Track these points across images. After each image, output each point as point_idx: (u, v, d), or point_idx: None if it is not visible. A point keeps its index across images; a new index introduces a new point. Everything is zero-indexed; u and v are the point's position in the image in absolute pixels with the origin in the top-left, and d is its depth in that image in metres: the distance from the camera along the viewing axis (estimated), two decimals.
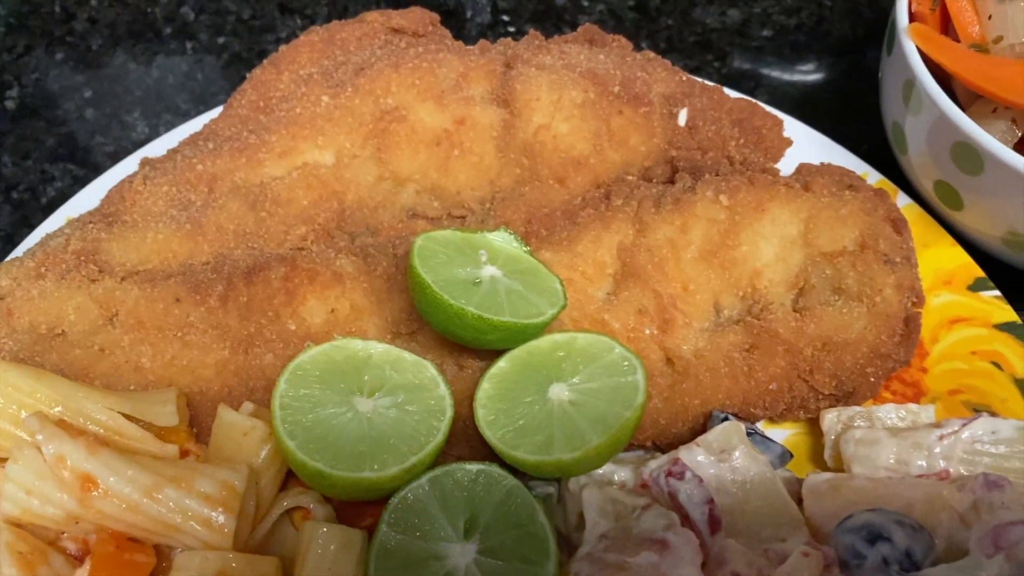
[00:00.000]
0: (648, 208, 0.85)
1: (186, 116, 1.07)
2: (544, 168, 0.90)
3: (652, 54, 0.96)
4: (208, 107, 1.06)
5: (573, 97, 0.90)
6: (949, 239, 0.86)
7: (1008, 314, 0.82)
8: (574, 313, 0.82)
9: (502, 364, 0.76)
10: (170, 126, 1.06)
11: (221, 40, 1.15)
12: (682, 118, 0.91)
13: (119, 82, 1.11)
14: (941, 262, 0.86)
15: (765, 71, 1.11)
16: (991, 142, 0.77)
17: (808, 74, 1.11)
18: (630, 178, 0.91)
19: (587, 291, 0.83)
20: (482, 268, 0.77)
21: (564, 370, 0.75)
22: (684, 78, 0.94)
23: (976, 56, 0.83)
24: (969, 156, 0.79)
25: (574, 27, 1.14)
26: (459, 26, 1.15)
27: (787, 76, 1.11)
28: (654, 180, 0.92)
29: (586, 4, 1.17)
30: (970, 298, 0.83)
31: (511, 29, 1.15)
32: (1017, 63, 0.83)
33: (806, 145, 0.94)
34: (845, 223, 0.82)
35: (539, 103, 0.90)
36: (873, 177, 0.91)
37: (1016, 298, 0.86)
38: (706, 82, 0.94)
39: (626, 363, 0.74)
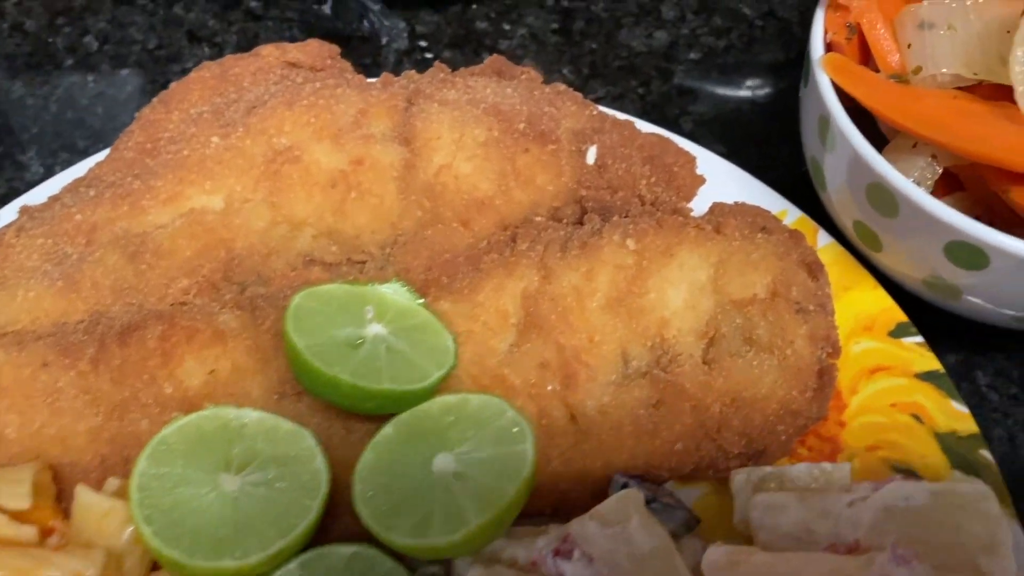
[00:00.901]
0: (554, 253, 0.81)
1: (84, 154, 1.02)
2: (447, 210, 0.86)
3: (563, 87, 0.91)
4: (108, 145, 1.00)
5: (476, 135, 0.86)
6: (871, 281, 0.82)
7: (930, 362, 0.78)
8: (473, 369, 0.77)
9: (388, 431, 0.71)
10: (66, 165, 1.01)
11: (124, 72, 1.09)
12: (591, 156, 0.87)
13: (15, 118, 1.06)
14: (862, 306, 0.81)
15: (692, 96, 1.06)
16: (905, 185, 0.73)
17: (737, 98, 1.06)
18: (539, 219, 0.87)
19: (488, 343, 0.79)
20: (366, 327, 0.73)
21: (452, 437, 0.70)
22: (595, 112, 0.89)
23: (893, 89, 0.79)
24: (884, 198, 0.75)
25: (495, 52, 1.10)
26: (375, 53, 1.10)
27: (715, 101, 1.06)
28: (564, 221, 0.87)
29: (507, 28, 1.12)
30: (891, 345, 0.79)
31: (429, 55, 1.10)
32: (935, 96, 0.79)
33: (724, 180, 0.89)
34: (756, 268, 0.78)
35: (440, 142, 0.85)
36: (793, 215, 0.86)
37: (941, 342, 0.82)
38: (618, 116, 0.89)
39: (516, 429, 0.69)
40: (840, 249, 0.84)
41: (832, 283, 0.82)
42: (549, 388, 0.77)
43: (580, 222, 0.86)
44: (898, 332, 0.79)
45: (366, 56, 1.10)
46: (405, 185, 0.86)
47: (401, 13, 1.13)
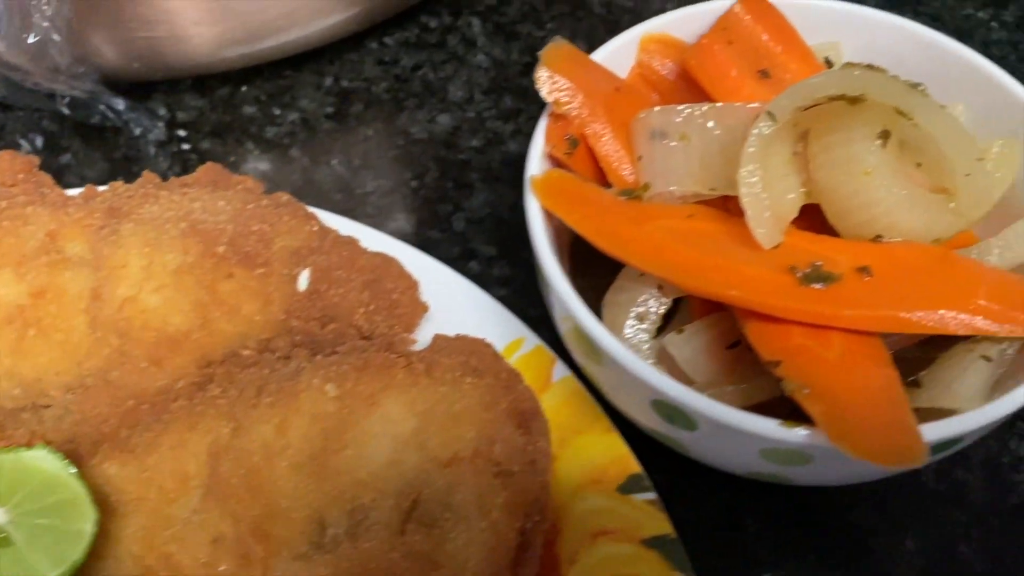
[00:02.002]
0: (248, 399, 0.71)
1: None
2: (135, 348, 0.75)
3: (285, 197, 0.81)
4: None
5: (167, 261, 0.75)
6: (605, 423, 0.72)
7: (660, 524, 0.68)
8: (136, 547, 0.67)
9: None
10: None
11: None
12: (303, 281, 0.77)
13: None
14: (593, 453, 0.71)
15: (468, 190, 0.97)
16: (603, 336, 0.63)
17: (516, 193, 0.96)
18: (247, 353, 0.77)
19: (164, 512, 0.68)
20: None
21: None
22: (315, 229, 0.79)
23: (616, 211, 0.69)
24: (590, 345, 0.65)
25: (260, 141, 1.00)
26: (130, 145, 1.00)
27: (493, 195, 0.96)
28: (278, 354, 0.77)
29: (277, 113, 1.02)
30: (619, 502, 0.69)
31: (185, 147, 1.00)
32: (666, 216, 0.69)
33: (460, 302, 0.79)
34: (459, 421, 0.68)
35: (126, 270, 0.75)
36: (530, 343, 0.77)
37: (674, 486, 0.73)
38: (340, 232, 0.79)
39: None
40: (576, 386, 0.74)
41: (562, 426, 0.72)
42: (222, 569, 0.67)
43: (290, 357, 0.76)
44: (629, 486, 0.70)
45: (122, 148, 1.00)
46: (93, 319, 0.76)
47: (164, 98, 1.03)
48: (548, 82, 0.70)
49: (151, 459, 0.69)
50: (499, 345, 0.76)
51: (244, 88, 1.04)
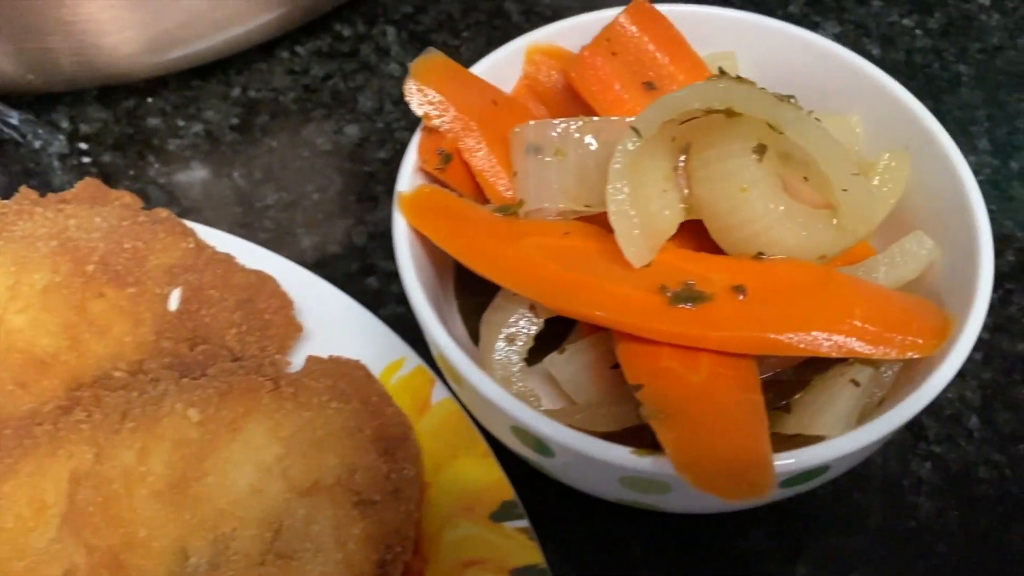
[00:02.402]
0: (112, 424, 0.68)
1: None
2: (1, 370, 0.73)
3: (166, 213, 0.79)
4: None
5: (34, 281, 0.73)
6: (482, 447, 0.70)
7: (530, 554, 0.65)
8: None
9: None
10: None
11: None
12: (173, 301, 0.74)
13: None
14: (468, 479, 0.69)
15: (373, 203, 0.94)
16: (458, 359, 0.61)
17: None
18: (118, 375, 0.74)
19: (19, 543, 0.66)
20: None
21: None
22: (192, 245, 0.77)
23: (488, 228, 0.67)
24: (450, 368, 0.63)
25: (162, 154, 0.97)
26: (31, 159, 0.97)
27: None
28: (150, 376, 0.75)
29: (182, 124, 1.00)
30: (491, 531, 0.67)
31: (86, 160, 0.97)
32: (541, 233, 0.67)
33: (340, 320, 0.77)
34: (322, 448, 0.65)
35: None
36: (411, 363, 0.74)
37: (561, 510, 0.71)
38: (218, 249, 0.77)
39: None
40: (455, 407, 0.72)
41: (438, 450, 0.70)
42: None
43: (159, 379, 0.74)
44: (501, 514, 0.67)
45: (22, 162, 0.97)
46: None
47: (68, 110, 1.01)
48: (417, 95, 0.68)
49: (7, 486, 0.67)
50: (379, 366, 0.73)
51: (150, 100, 1.01)
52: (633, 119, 0.62)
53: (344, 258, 0.90)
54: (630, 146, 0.62)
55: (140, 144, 0.98)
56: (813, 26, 1.06)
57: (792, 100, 0.63)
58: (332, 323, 0.76)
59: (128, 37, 0.95)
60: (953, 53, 1.04)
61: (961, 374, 0.80)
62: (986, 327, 0.84)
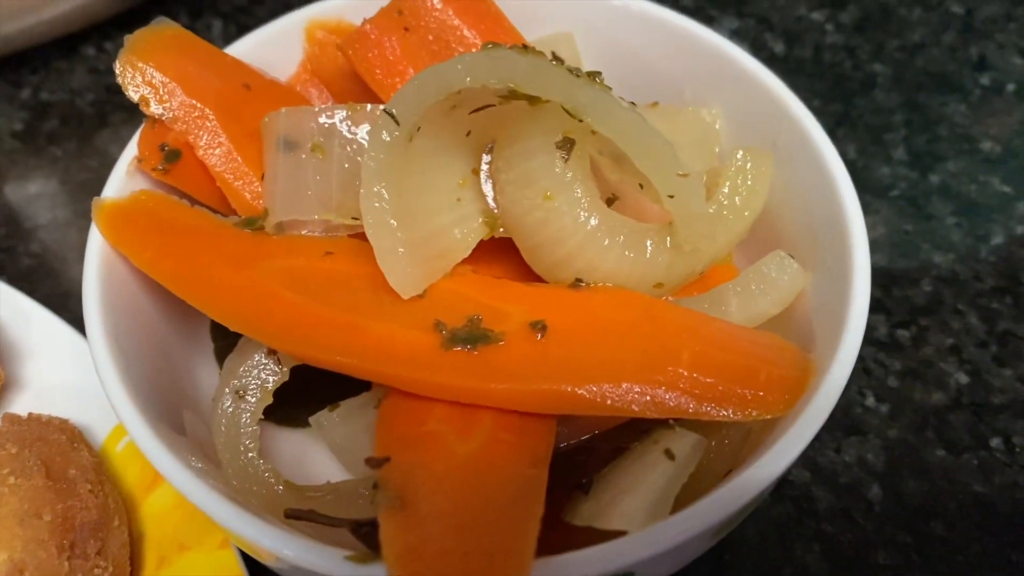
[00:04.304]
0: None
1: None
2: None
3: None
4: None
5: None
6: (220, 536, 0.54)
7: None
8: None
9: None
10: None
11: None
12: None
13: None
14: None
15: None
16: (134, 426, 0.45)
17: None
18: None
19: None
20: None
21: None
22: None
23: (207, 252, 0.51)
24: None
25: None
26: None
27: None
28: None
29: None
30: None
31: None
32: (289, 254, 0.51)
33: (70, 368, 0.60)
34: None
35: None
36: None
37: None
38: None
39: None
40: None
41: (165, 539, 0.54)
42: None
43: None
44: None
45: None
46: None
47: None
48: (134, 75, 0.53)
49: None
50: (105, 427, 0.57)
51: None
52: (388, 102, 0.47)
53: None
54: (385, 137, 0.47)
55: None
56: (708, 20, 0.91)
57: (599, 78, 0.48)
58: (60, 371, 0.60)
59: None
60: (868, 51, 0.90)
61: (862, 431, 0.65)
62: (895, 373, 0.69)
